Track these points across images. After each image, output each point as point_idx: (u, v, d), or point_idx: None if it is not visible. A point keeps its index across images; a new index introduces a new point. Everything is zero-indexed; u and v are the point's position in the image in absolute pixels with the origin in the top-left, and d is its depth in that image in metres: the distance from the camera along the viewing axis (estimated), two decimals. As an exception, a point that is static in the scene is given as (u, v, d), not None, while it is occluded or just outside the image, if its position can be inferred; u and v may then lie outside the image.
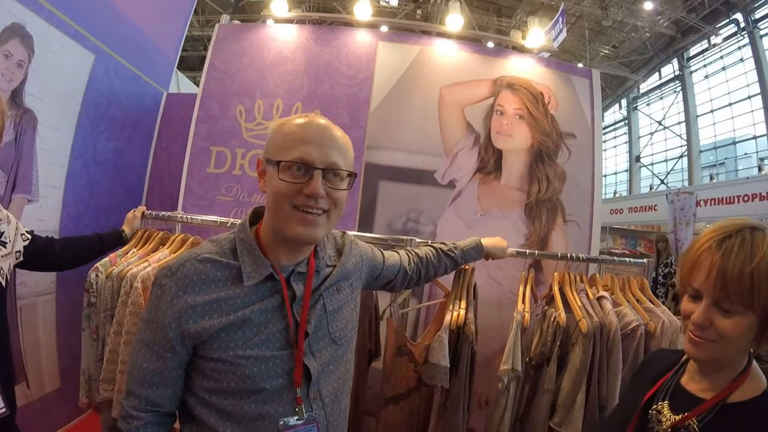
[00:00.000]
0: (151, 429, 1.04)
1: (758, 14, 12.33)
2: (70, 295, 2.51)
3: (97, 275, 1.94)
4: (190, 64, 12.19)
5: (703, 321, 0.87)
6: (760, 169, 12.10)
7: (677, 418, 0.92)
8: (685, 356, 1.05)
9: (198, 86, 2.96)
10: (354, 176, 1.11)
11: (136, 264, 1.97)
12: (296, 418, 1.03)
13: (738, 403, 0.89)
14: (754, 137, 13.09)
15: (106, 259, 2.01)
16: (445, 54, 2.99)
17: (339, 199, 1.08)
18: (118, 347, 1.82)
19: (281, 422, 1.02)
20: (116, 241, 2.11)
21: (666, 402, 0.98)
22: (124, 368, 1.76)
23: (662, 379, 1.04)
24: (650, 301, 2.03)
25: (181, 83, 5.35)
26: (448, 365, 1.72)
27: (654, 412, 0.98)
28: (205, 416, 1.02)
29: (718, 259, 0.86)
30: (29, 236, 1.69)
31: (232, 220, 2.20)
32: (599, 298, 1.99)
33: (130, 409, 1.03)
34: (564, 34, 10.02)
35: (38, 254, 1.73)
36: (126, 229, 2.16)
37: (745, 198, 8.26)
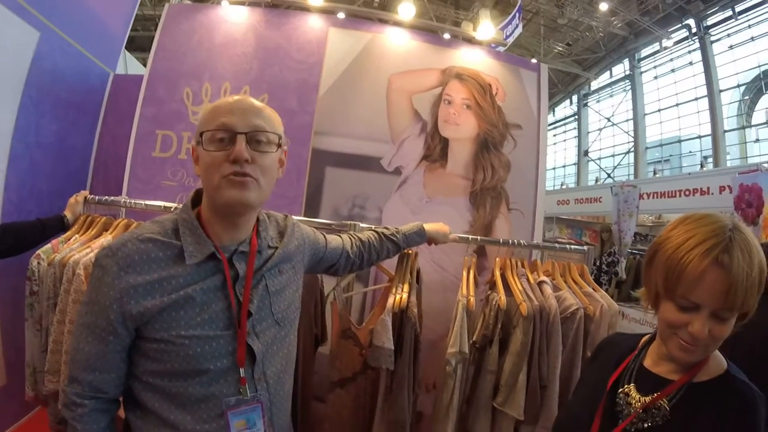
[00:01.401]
0: (95, 416, 1.03)
1: (710, 21, 12.91)
2: (13, 284, 2.37)
3: (39, 263, 1.88)
4: (141, 45, 11.68)
5: (704, 333, 0.87)
6: (702, 167, 12.65)
7: (647, 399, 0.97)
8: (644, 340, 1.10)
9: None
10: (282, 141, 1.12)
11: (79, 250, 1.92)
12: (240, 398, 1.04)
13: (704, 383, 0.95)
14: (699, 137, 13.77)
15: (48, 245, 1.95)
16: (396, 42, 2.99)
17: (267, 165, 1.07)
18: (62, 337, 1.77)
19: (224, 401, 1.02)
20: (58, 226, 2.05)
21: (632, 385, 1.02)
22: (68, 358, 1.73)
23: (624, 363, 1.08)
24: (590, 286, 2.08)
25: (129, 64, 5.15)
26: (393, 347, 1.75)
27: (621, 394, 1.02)
28: (150, 401, 1.02)
29: (725, 275, 0.84)
30: None
31: (176, 205, 2.13)
32: (540, 283, 2.03)
33: (74, 396, 1.02)
34: (520, 29, 10.23)
35: None
36: (68, 214, 2.09)
37: (687, 192, 8.60)
